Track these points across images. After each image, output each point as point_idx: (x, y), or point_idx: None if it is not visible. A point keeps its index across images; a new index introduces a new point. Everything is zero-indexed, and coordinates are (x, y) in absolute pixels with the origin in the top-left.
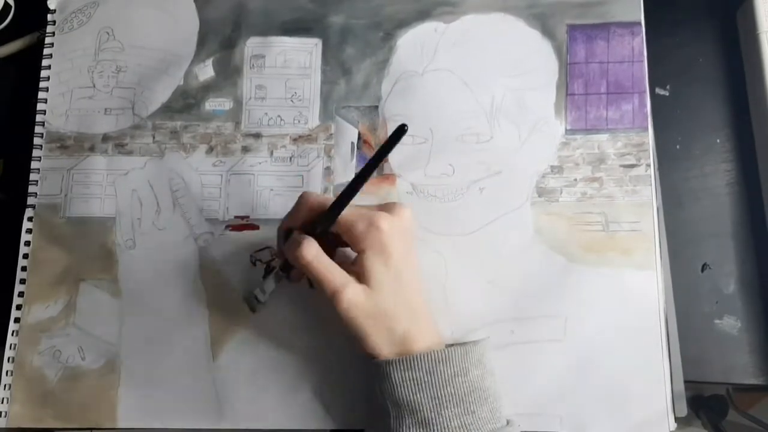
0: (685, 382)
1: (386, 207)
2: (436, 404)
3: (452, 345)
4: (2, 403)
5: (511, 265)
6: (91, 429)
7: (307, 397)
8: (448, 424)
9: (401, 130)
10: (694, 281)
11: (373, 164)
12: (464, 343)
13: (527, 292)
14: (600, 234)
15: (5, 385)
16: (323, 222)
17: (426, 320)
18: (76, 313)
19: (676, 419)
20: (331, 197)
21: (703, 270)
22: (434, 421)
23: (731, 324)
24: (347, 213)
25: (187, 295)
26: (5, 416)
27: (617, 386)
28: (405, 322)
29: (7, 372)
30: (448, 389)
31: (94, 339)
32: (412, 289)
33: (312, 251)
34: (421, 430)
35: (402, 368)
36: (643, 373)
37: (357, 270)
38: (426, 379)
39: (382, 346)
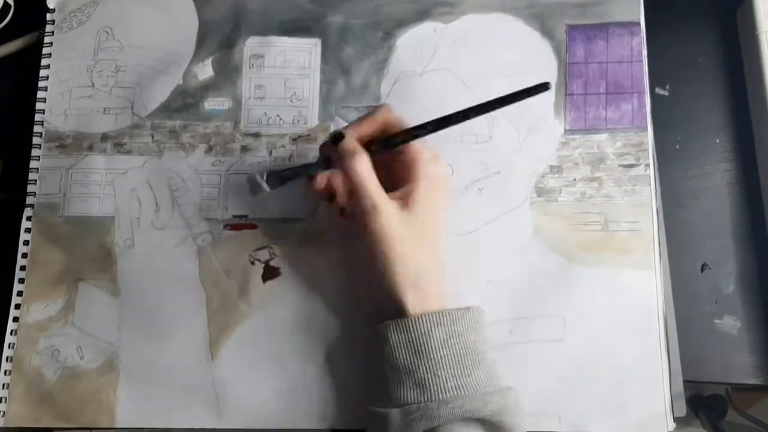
0: (685, 381)
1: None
2: (431, 366)
3: (456, 309)
4: (1, 402)
5: (510, 264)
6: (89, 428)
7: (306, 397)
8: (444, 385)
9: (544, 87)
10: (693, 281)
11: (489, 107)
12: (459, 309)
13: (526, 291)
14: (599, 234)
15: (3, 385)
16: (397, 140)
17: (437, 277)
18: (75, 312)
19: (676, 419)
20: (402, 121)
21: (702, 270)
22: (430, 382)
23: (731, 324)
24: (414, 144)
25: (185, 295)
26: (4, 416)
27: (616, 385)
28: (423, 265)
29: (5, 371)
30: (443, 351)
31: (92, 338)
32: (440, 239)
33: (365, 163)
34: (418, 391)
35: (399, 330)
36: (642, 372)
37: (401, 197)
38: (422, 341)
39: (399, 281)
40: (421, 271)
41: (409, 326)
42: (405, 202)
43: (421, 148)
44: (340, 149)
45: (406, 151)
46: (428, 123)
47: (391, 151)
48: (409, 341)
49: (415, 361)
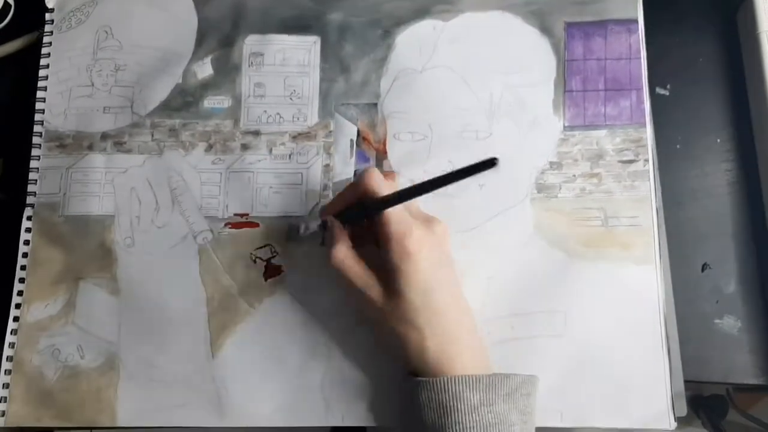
0: (685, 381)
1: (422, 217)
2: (459, 430)
3: (494, 374)
4: (1, 402)
5: (511, 260)
6: (90, 428)
7: (307, 395)
8: None
9: (491, 163)
10: (694, 281)
11: (445, 180)
12: (498, 374)
13: (527, 287)
14: (599, 229)
15: (4, 384)
16: (370, 210)
17: (468, 343)
18: (75, 311)
19: (676, 418)
20: (388, 185)
21: (703, 270)
22: None
23: (731, 324)
24: (388, 214)
25: (186, 293)
26: (4, 415)
27: (618, 380)
28: (437, 340)
29: (6, 371)
30: (474, 417)
31: (93, 338)
32: (444, 307)
33: (341, 254)
34: None
35: (428, 389)
36: (644, 367)
37: (384, 284)
38: (451, 404)
39: (414, 361)
40: (435, 346)
41: (440, 386)
42: (388, 290)
43: (390, 218)
44: (326, 236)
45: (380, 225)
46: (391, 196)
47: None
48: (438, 402)
49: (443, 422)
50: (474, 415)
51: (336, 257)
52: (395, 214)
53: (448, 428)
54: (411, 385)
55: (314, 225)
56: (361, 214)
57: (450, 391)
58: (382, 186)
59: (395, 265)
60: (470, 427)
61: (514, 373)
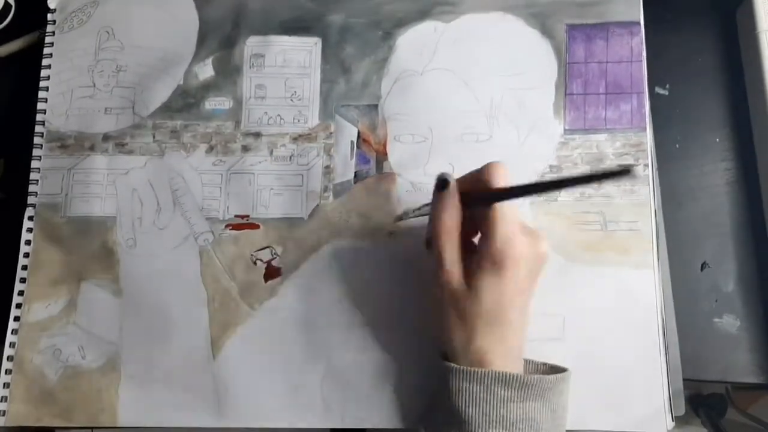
0: (685, 380)
1: (528, 230)
2: (485, 421)
3: (529, 375)
4: (2, 401)
5: None
6: (91, 428)
7: (307, 396)
8: None
9: (626, 171)
10: (693, 280)
11: (574, 182)
12: (533, 375)
13: None
14: (598, 233)
15: (5, 384)
16: (480, 200)
17: (512, 346)
18: (77, 312)
19: (675, 417)
20: (507, 180)
21: (702, 269)
22: None
23: (730, 322)
24: (502, 210)
25: (187, 294)
26: (5, 415)
27: (615, 385)
28: (487, 340)
29: (6, 371)
30: (501, 411)
31: (94, 338)
32: (509, 321)
33: (449, 225)
34: None
35: (461, 377)
36: (641, 371)
37: (472, 267)
38: (482, 395)
39: (456, 350)
40: (483, 341)
41: (473, 376)
42: (469, 280)
43: (500, 221)
44: (438, 196)
45: (490, 219)
46: (515, 187)
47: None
48: (469, 391)
49: (471, 411)
50: (502, 409)
51: (445, 224)
52: (508, 213)
53: (475, 417)
54: (444, 369)
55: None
56: (474, 201)
57: (483, 381)
58: (503, 175)
59: (488, 262)
60: (497, 421)
61: (547, 375)
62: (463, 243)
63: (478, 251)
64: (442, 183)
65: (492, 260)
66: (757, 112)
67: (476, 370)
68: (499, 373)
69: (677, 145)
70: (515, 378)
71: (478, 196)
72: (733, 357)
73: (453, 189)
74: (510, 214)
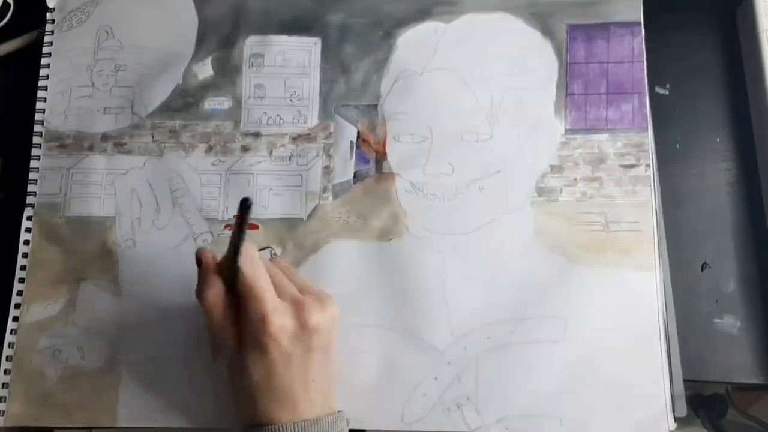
0: (685, 381)
1: (297, 302)
2: None
3: (303, 420)
4: (1, 402)
5: (511, 264)
6: (90, 428)
7: None
8: None
9: (244, 205)
10: (693, 280)
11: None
12: (308, 420)
13: (527, 292)
14: (600, 234)
15: (4, 384)
16: (229, 268)
17: (303, 410)
18: (76, 312)
19: (676, 419)
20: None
21: (702, 269)
22: None
23: (731, 323)
24: (256, 286)
25: (186, 295)
26: (4, 415)
27: (617, 386)
28: (270, 406)
29: (5, 371)
30: None
31: (94, 338)
32: (288, 385)
33: (210, 297)
34: None
35: None
36: (643, 372)
37: (240, 333)
38: None
39: (240, 413)
40: (256, 398)
41: None
42: (239, 351)
43: (251, 309)
44: (198, 277)
45: (245, 293)
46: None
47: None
48: None
49: None
50: None
51: (208, 300)
52: (260, 289)
53: None
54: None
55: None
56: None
57: None
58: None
59: (248, 340)
60: None
61: (323, 416)
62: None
63: (242, 328)
64: (197, 259)
65: (251, 338)
66: (758, 112)
67: (266, 428)
68: (276, 426)
69: (677, 146)
70: (288, 427)
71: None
72: (733, 358)
73: (207, 264)
74: (263, 289)
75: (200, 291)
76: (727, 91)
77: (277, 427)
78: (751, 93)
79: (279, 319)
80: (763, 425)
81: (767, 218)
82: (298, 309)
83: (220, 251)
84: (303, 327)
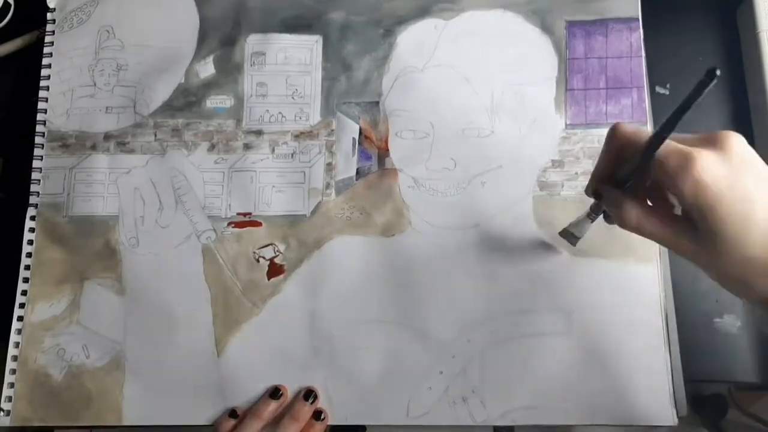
0: (686, 380)
1: (703, 139)
2: None
3: None
4: (7, 401)
5: (514, 258)
6: (95, 427)
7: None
8: None
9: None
10: (694, 280)
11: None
12: None
13: (530, 285)
14: (601, 227)
15: (9, 384)
16: (630, 171)
17: None
18: (80, 311)
19: (678, 416)
20: (644, 131)
21: None
22: None
23: (731, 323)
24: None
25: (190, 293)
26: (10, 414)
27: (621, 378)
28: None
29: (11, 370)
30: None
31: (98, 337)
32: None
33: (632, 216)
34: None
35: None
36: (646, 363)
37: (687, 218)
38: None
39: (749, 236)
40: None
41: None
42: (701, 235)
43: (664, 156)
44: (611, 202)
45: (656, 172)
46: (644, 147)
47: (649, 170)
48: None
49: None
50: None
51: (629, 220)
52: (665, 150)
53: None
54: None
55: (585, 227)
56: (629, 173)
57: None
58: (636, 132)
59: (693, 205)
60: None
61: None
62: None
63: (682, 206)
64: (596, 200)
65: (693, 201)
66: (758, 112)
67: None
68: None
69: None
70: None
71: (627, 170)
72: (733, 357)
73: (608, 193)
74: (666, 149)
75: (623, 217)
76: (727, 90)
77: None
78: (750, 92)
79: (698, 155)
80: (763, 424)
81: None
82: (706, 141)
83: (223, 250)
84: (725, 152)
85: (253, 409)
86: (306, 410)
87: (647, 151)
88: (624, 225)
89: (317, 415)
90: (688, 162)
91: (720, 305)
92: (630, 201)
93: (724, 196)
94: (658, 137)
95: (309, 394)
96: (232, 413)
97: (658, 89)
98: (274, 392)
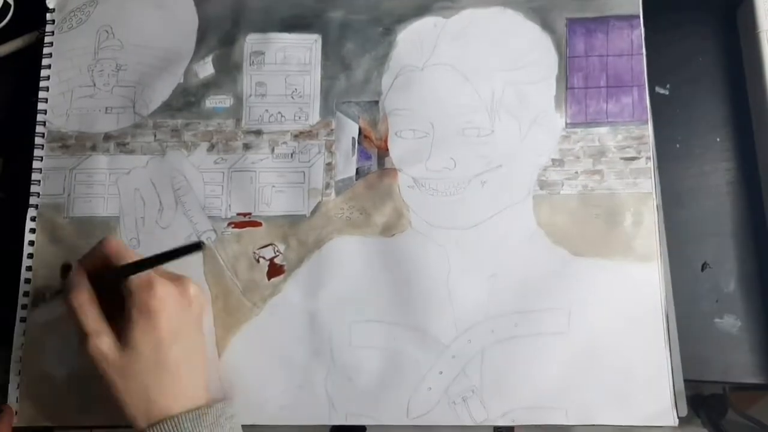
0: (685, 381)
1: (174, 277)
2: None
3: (196, 409)
4: (11, 402)
5: (514, 258)
6: (91, 428)
7: (311, 393)
8: None
9: (197, 247)
10: (694, 280)
11: (164, 259)
12: (199, 409)
13: (530, 285)
14: (602, 226)
15: (11, 385)
16: (112, 275)
17: (186, 386)
18: None
19: (679, 416)
20: (131, 252)
21: (703, 269)
22: None
23: (731, 323)
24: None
25: None
26: (15, 415)
27: (621, 378)
28: (158, 387)
29: (13, 371)
30: None
31: None
32: (175, 364)
33: (82, 296)
34: None
35: None
36: (647, 363)
37: (118, 330)
38: None
39: (135, 414)
40: (156, 395)
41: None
42: (120, 332)
43: (136, 280)
44: (66, 282)
45: (125, 284)
46: (129, 265)
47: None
48: None
49: None
50: None
51: (75, 300)
52: (140, 275)
53: None
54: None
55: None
56: (114, 275)
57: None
58: (122, 250)
59: (134, 313)
60: None
61: (213, 405)
62: (110, 313)
63: (125, 309)
64: (65, 268)
65: (138, 309)
66: (758, 112)
67: (160, 425)
68: (170, 419)
69: (678, 145)
70: (184, 418)
71: (106, 272)
72: (733, 357)
73: (75, 270)
74: (148, 275)
75: (66, 296)
76: (727, 90)
77: (175, 420)
78: (751, 93)
79: (162, 283)
80: (762, 426)
81: None
82: (174, 280)
83: (223, 250)
84: (183, 293)
85: None
86: None
87: (123, 270)
88: (68, 302)
89: None
90: (148, 287)
91: (720, 305)
92: (84, 287)
93: (156, 325)
94: (140, 266)
95: None
96: None
97: (658, 89)
98: None
